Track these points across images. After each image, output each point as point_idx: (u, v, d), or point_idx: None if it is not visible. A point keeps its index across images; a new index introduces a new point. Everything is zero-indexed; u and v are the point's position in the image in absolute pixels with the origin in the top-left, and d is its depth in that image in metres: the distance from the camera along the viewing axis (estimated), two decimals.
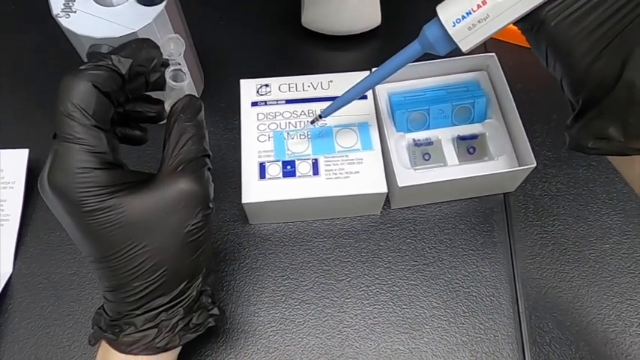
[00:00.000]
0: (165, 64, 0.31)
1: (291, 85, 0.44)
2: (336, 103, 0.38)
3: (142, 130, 0.33)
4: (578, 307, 0.41)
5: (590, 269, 0.42)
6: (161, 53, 0.30)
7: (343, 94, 0.38)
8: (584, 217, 0.44)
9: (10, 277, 0.42)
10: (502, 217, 0.44)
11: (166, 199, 0.27)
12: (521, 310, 0.40)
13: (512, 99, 0.43)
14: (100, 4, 0.37)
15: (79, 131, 0.26)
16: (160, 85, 0.31)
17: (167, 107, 0.31)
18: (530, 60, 0.51)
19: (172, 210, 0.27)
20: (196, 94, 0.42)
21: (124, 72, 0.28)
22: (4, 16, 0.54)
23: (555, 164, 0.46)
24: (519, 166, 0.42)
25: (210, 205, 0.29)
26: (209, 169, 0.30)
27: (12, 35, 0.52)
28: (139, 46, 0.29)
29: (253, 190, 0.39)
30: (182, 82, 0.30)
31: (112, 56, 0.28)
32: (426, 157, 0.43)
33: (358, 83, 0.37)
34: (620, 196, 0.45)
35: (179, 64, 0.31)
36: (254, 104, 0.43)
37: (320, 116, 0.39)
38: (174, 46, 0.31)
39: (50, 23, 0.37)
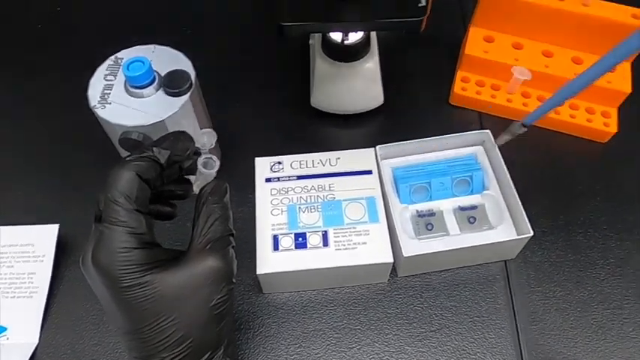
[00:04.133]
0: (198, 152, 0.35)
1: (302, 162, 0.48)
2: (544, 106, 0.42)
3: (172, 206, 0.37)
4: None
5: (593, 334, 0.44)
6: (194, 144, 0.34)
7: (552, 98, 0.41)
8: (583, 282, 0.46)
9: (36, 348, 0.44)
10: (504, 284, 0.46)
11: (195, 275, 0.30)
12: None
13: (507, 172, 0.46)
14: (131, 95, 0.42)
15: (123, 215, 0.29)
16: (192, 171, 0.35)
17: (196, 189, 0.35)
18: (524, 133, 0.55)
19: (201, 285, 0.30)
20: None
21: (162, 162, 0.32)
22: (44, 100, 0.59)
23: (553, 232, 0.49)
24: (517, 235, 0.45)
25: (234, 280, 0.32)
26: (233, 246, 0.33)
27: (49, 118, 0.57)
28: (176, 138, 0.33)
29: (267, 262, 0.42)
30: (212, 170, 0.34)
31: (154, 148, 0.32)
32: (429, 227, 0.46)
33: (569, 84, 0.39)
34: (618, 262, 0.47)
35: (210, 153, 0.35)
36: (268, 180, 0.47)
37: (524, 125, 0.44)
38: (207, 139, 0.35)
39: (84, 108, 0.42)
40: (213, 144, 0.35)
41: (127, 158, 0.31)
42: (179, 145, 0.33)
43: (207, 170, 0.34)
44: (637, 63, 0.54)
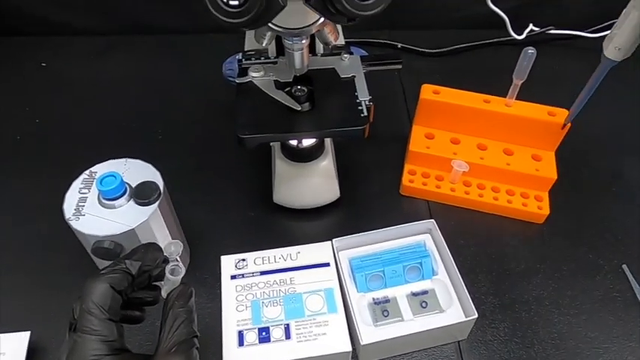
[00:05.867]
0: (166, 260, 0.38)
1: (264, 258, 0.51)
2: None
3: (142, 310, 0.40)
4: None
5: None
6: (162, 254, 0.38)
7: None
8: (531, 359, 0.49)
9: None
10: None
11: None
12: None
13: (451, 258, 0.51)
14: (104, 207, 0.46)
15: (96, 325, 0.32)
16: (160, 277, 0.38)
17: (163, 294, 0.38)
18: (467, 217, 0.61)
19: None
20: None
21: (134, 273, 0.35)
22: (18, 206, 0.62)
23: (501, 310, 0.53)
24: (465, 317, 0.48)
25: None
26: (197, 347, 0.35)
27: (23, 224, 0.60)
28: (146, 250, 0.37)
29: (233, 358, 0.44)
30: (178, 276, 0.38)
31: (126, 261, 0.36)
32: (385, 313, 0.49)
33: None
34: (561, 335, 0.51)
35: (177, 260, 0.38)
36: (233, 277, 0.50)
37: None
38: (174, 248, 0.39)
39: (58, 216, 0.45)
40: (180, 252, 0.39)
41: (102, 271, 0.34)
42: (149, 255, 0.37)
43: (174, 277, 0.38)
44: (560, 152, 0.61)
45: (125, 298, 0.36)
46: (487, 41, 0.83)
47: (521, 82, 0.56)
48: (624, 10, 0.47)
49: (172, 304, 0.36)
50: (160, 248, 0.38)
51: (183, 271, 0.38)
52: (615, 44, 0.48)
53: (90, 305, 0.33)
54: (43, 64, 0.81)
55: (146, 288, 0.39)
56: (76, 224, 0.45)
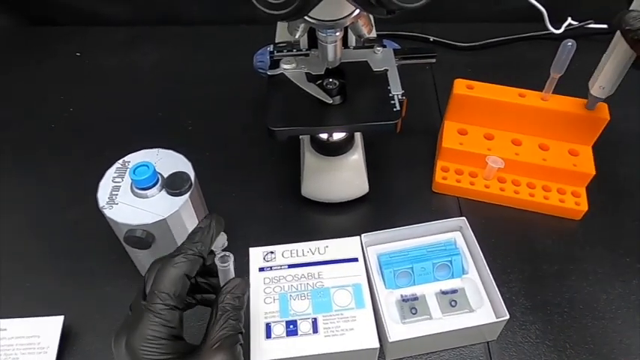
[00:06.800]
0: (213, 252, 0.38)
1: (292, 252, 0.51)
2: None
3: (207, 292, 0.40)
4: None
5: None
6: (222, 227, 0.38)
7: None
8: None
9: None
10: None
11: None
12: None
13: (482, 256, 0.50)
14: (137, 196, 0.47)
15: (162, 309, 0.33)
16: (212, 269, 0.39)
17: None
18: (499, 215, 0.59)
19: None
20: None
21: (205, 256, 0.36)
22: (54, 194, 0.63)
23: (532, 312, 0.51)
24: (496, 318, 0.47)
25: None
26: (241, 344, 0.36)
27: (60, 212, 0.61)
28: (209, 228, 0.37)
29: (260, 350, 0.44)
30: (228, 264, 0.38)
31: (198, 243, 0.36)
32: (413, 311, 0.49)
33: None
34: (595, 340, 0.49)
35: (225, 252, 0.39)
36: (261, 269, 0.50)
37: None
38: (219, 240, 0.38)
39: (93, 204, 0.46)
40: (225, 244, 0.39)
41: (176, 254, 0.35)
42: (211, 233, 0.37)
43: (224, 265, 0.38)
44: (598, 147, 0.59)
45: (194, 281, 0.37)
46: (523, 35, 0.81)
47: (559, 76, 0.55)
48: (605, 53, 0.53)
49: (225, 297, 0.36)
50: (221, 221, 0.38)
51: (232, 258, 0.38)
52: (600, 84, 0.54)
53: (161, 288, 0.34)
54: (78, 54, 0.83)
55: (206, 274, 0.40)
56: (110, 212, 0.45)
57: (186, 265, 0.35)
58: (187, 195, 0.47)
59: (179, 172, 0.48)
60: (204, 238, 0.37)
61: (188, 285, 0.35)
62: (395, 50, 0.56)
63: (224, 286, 0.37)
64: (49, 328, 0.50)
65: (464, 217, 0.53)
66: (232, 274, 0.38)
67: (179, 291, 0.34)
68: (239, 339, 0.36)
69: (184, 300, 0.35)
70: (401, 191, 0.62)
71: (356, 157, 0.58)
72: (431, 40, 0.81)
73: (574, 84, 0.57)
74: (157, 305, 0.33)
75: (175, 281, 0.34)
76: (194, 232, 0.37)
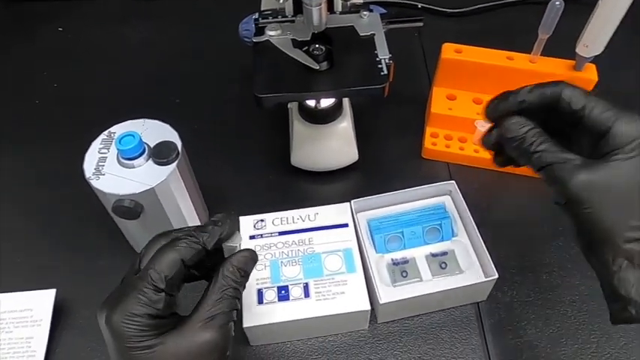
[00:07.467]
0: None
1: (283, 219, 0.51)
2: None
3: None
4: None
5: None
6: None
7: None
8: (552, 320, 0.49)
9: None
10: (477, 325, 0.49)
11: (193, 345, 0.33)
12: None
13: (472, 219, 0.50)
14: (123, 166, 0.46)
15: (149, 290, 0.32)
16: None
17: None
18: (490, 180, 0.60)
19: (196, 355, 0.33)
20: None
21: (209, 248, 0.35)
22: (42, 168, 0.63)
23: (521, 273, 0.52)
24: (485, 277, 0.48)
25: (228, 354, 0.34)
26: (234, 321, 0.35)
27: (48, 186, 0.61)
28: (223, 223, 0.36)
29: (252, 315, 0.45)
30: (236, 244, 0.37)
31: (203, 234, 0.35)
32: (404, 274, 0.49)
33: None
34: (583, 297, 0.50)
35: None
36: (252, 237, 0.50)
37: None
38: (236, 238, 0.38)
39: (81, 177, 0.45)
40: (241, 244, 0.38)
41: (180, 242, 0.34)
42: (226, 228, 0.36)
43: (232, 244, 0.37)
44: None
45: (191, 264, 0.35)
46: (512, 0, 0.80)
47: (547, 36, 0.54)
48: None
49: (227, 268, 0.35)
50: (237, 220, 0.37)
51: (240, 239, 0.38)
52: (584, 42, 0.53)
53: (156, 268, 0.33)
54: (60, 29, 0.81)
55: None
56: (96, 183, 0.45)
57: (187, 252, 0.34)
58: (175, 164, 0.46)
59: (166, 141, 0.47)
60: (214, 231, 0.36)
61: (183, 272, 0.34)
62: (381, 15, 0.55)
63: (231, 255, 0.36)
64: (41, 301, 0.50)
65: (453, 181, 0.53)
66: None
67: (172, 275, 0.33)
68: (233, 316, 0.35)
69: (175, 286, 0.34)
70: (391, 158, 0.62)
71: (345, 125, 0.58)
72: (419, 6, 0.80)
73: (563, 49, 0.56)
74: (146, 284, 0.32)
75: (171, 265, 0.33)
76: (207, 223, 0.37)
